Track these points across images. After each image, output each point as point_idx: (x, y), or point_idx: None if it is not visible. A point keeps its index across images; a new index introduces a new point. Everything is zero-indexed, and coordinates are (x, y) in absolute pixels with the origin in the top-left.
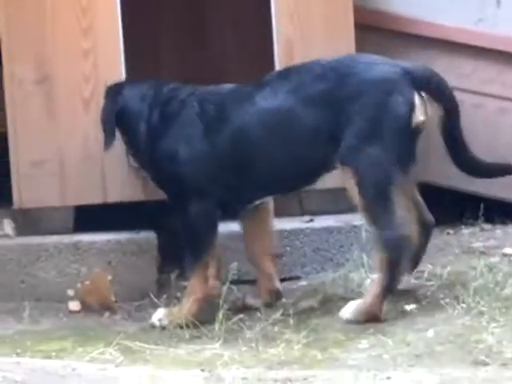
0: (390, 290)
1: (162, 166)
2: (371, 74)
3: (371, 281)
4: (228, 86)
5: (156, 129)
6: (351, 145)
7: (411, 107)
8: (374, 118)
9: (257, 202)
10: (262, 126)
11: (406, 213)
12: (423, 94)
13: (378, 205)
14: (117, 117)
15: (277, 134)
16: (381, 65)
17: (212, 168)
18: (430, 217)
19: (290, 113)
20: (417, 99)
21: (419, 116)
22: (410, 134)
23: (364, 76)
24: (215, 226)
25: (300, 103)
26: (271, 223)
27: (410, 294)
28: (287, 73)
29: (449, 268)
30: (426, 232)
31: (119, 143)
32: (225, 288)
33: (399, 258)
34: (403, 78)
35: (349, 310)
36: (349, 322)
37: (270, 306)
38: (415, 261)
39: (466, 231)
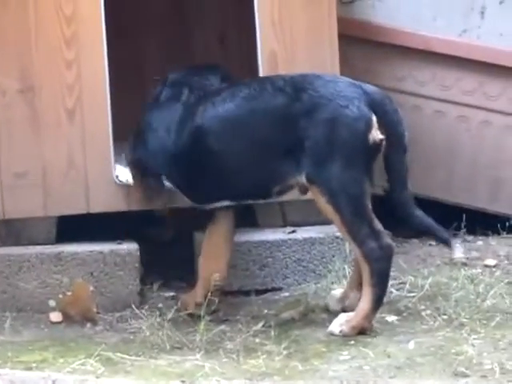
0: (380, 302)
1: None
2: (328, 89)
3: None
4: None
5: None
6: (313, 162)
7: (368, 125)
8: (331, 133)
9: (207, 207)
10: (215, 127)
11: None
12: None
13: (355, 219)
14: None
15: (228, 137)
16: (340, 82)
17: (173, 159)
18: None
19: (240, 119)
20: (374, 118)
21: (376, 134)
22: (367, 151)
23: (320, 91)
24: None
25: (253, 112)
26: (230, 240)
27: (392, 306)
28: (253, 81)
29: (430, 279)
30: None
31: (103, 154)
32: (206, 299)
33: (387, 269)
34: (361, 96)
35: (339, 324)
36: (339, 335)
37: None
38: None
39: None
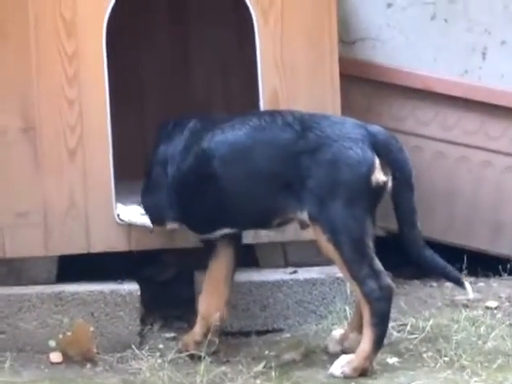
0: (381, 342)
1: None
2: (334, 130)
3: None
4: (223, 115)
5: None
6: (315, 200)
7: (370, 167)
8: (334, 174)
9: (207, 236)
10: (222, 151)
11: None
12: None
13: (355, 259)
14: None
15: (233, 163)
16: (346, 124)
17: (176, 183)
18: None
19: (247, 147)
20: (377, 160)
21: (379, 176)
22: (369, 192)
23: (326, 132)
24: None
25: (260, 142)
26: (231, 278)
27: (393, 347)
28: (264, 113)
29: (431, 321)
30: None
31: (104, 194)
32: (206, 340)
33: (387, 309)
34: (365, 137)
35: (340, 366)
36: (340, 377)
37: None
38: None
39: (449, 284)
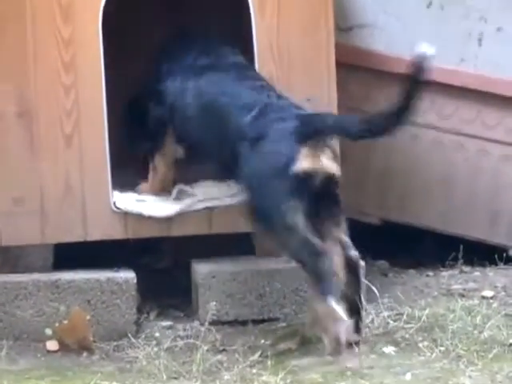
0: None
1: None
2: (272, 122)
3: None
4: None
5: None
6: (241, 182)
7: (291, 158)
8: (258, 164)
9: None
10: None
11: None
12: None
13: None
14: None
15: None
16: (285, 115)
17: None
18: (354, 254)
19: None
20: (303, 150)
21: (302, 164)
22: (294, 181)
23: (266, 124)
24: None
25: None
26: None
27: (389, 336)
28: (258, 78)
29: (427, 310)
30: (352, 270)
31: (101, 180)
32: (203, 329)
33: (316, 266)
34: (293, 127)
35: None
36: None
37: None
38: (353, 304)
39: (445, 273)
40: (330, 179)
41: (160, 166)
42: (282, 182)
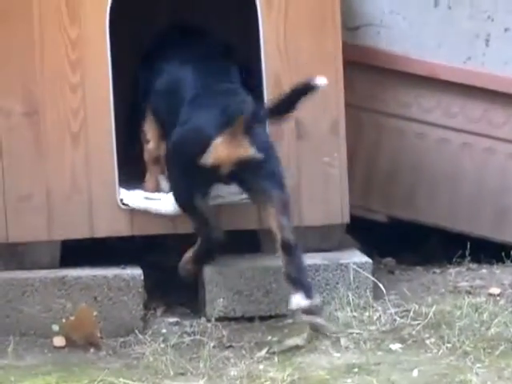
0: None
1: None
2: (199, 110)
3: None
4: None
5: None
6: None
7: (202, 147)
8: (173, 146)
9: None
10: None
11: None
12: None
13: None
14: None
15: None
16: (212, 106)
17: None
18: (288, 236)
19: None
20: (216, 141)
21: (212, 157)
22: (203, 169)
23: (193, 112)
24: None
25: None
26: None
27: (395, 333)
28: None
29: (434, 307)
30: (285, 252)
31: (107, 178)
32: (210, 325)
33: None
34: (210, 119)
35: None
36: None
37: None
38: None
39: (452, 270)
40: (247, 164)
41: (147, 140)
42: (190, 169)
